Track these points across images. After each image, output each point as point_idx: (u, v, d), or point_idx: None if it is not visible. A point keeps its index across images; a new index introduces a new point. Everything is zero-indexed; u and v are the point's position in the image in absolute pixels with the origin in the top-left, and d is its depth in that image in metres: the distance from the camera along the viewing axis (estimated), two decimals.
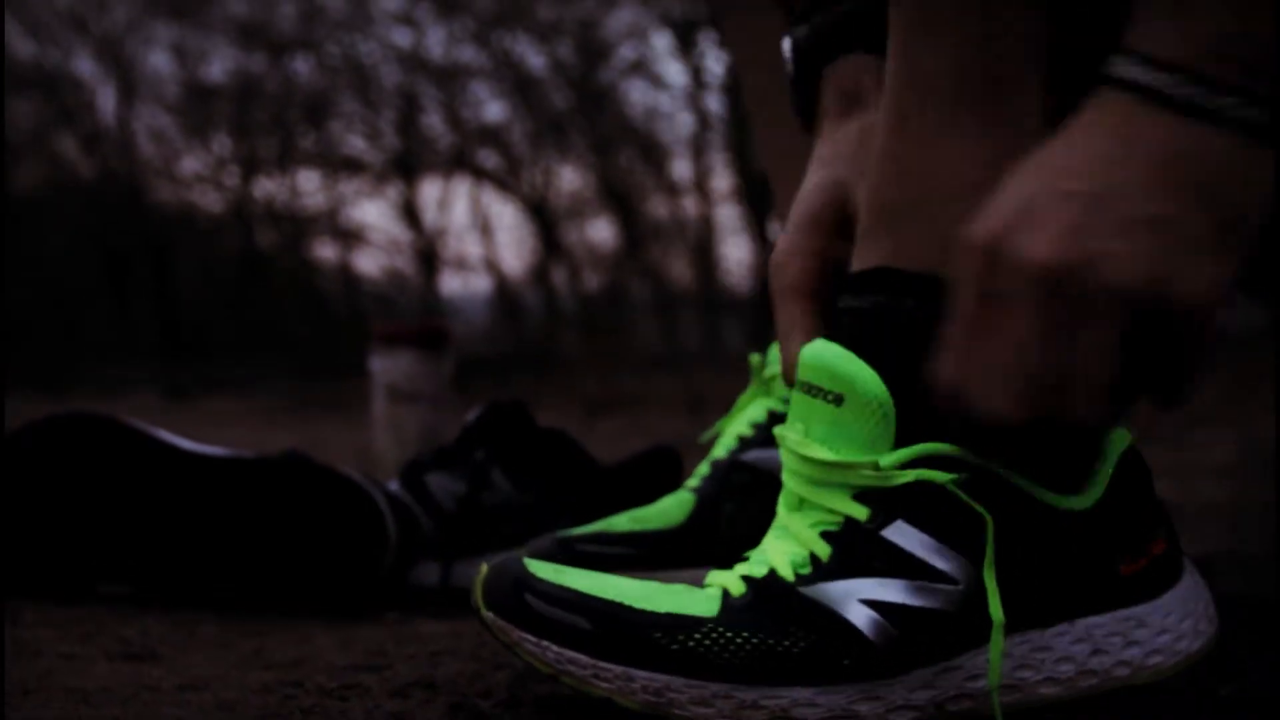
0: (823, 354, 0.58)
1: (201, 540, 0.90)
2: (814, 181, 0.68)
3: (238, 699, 0.65)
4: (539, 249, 5.89)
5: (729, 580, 0.60)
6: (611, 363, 4.44)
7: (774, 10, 0.85)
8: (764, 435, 0.85)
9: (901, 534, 0.57)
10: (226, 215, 6.24)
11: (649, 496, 0.96)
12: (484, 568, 0.62)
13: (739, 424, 0.86)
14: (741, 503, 0.84)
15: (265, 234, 6.32)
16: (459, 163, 5.96)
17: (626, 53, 5.66)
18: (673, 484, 0.99)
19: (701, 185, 5.65)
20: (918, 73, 0.59)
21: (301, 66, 6.04)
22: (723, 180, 5.69)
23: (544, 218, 5.83)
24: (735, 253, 5.75)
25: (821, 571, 0.58)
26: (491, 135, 5.91)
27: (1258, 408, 2.49)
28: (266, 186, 6.18)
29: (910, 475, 0.56)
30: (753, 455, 0.84)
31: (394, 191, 6.08)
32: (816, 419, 0.59)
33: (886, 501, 0.57)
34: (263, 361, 5.12)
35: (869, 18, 0.69)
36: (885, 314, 0.58)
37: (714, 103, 5.51)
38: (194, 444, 0.94)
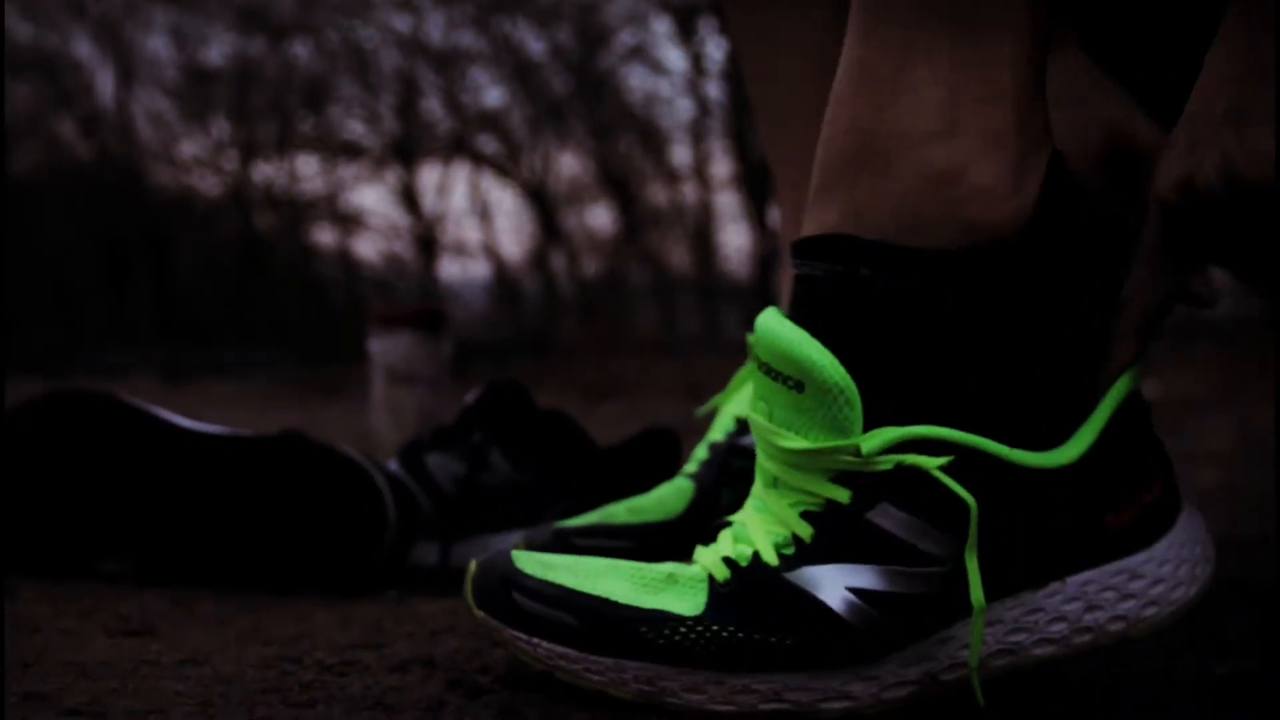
0: (778, 336, 0.57)
1: (200, 519, 0.90)
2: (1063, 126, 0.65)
3: (236, 673, 0.65)
4: (538, 235, 5.89)
5: (713, 563, 0.59)
6: (610, 349, 4.45)
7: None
8: None
9: (886, 516, 0.56)
10: (225, 199, 6.23)
11: (647, 477, 0.96)
12: (473, 564, 0.62)
13: (735, 405, 0.85)
14: (741, 490, 0.84)
15: (264, 218, 6.31)
16: (458, 148, 5.96)
17: (626, 38, 5.65)
18: (671, 465, 1.00)
19: (701, 171, 5.65)
20: (879, 16, 0.58)
21: (300, 50, 6.03)
22: (722, 166, 5.69)
23: (543, 203, 5.83)
24: (734, 239, 5.75)
25: (805, 553, 0.57)
26: (491, 120, 5.90)
27: (1255, 396, 2.49)
28: (265, 171, 6.18)
29: (895, 459, 0.56)
30: (750, 439, 0.84)
31: (393, 176, 6.08)
32: (779, 403, 0.58)
33: (869, 484, 0.56)
34: (261, 346, 5.12)
35: None
36: (840, 283, 0.56)
37: (714, 89, 5.51)
38: (193, 422, 0.94)
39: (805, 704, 0.57)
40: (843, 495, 0.57)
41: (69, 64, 6.10)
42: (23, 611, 0.79)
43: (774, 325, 0.58)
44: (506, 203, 7.17)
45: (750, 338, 0.86)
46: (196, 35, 6.02)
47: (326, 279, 6.26)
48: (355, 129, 6.08)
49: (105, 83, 6.11)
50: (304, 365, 4.49)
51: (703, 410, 0.88)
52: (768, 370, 0.58)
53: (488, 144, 5.99)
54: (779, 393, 0.57)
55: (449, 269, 6.15)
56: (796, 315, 0.58)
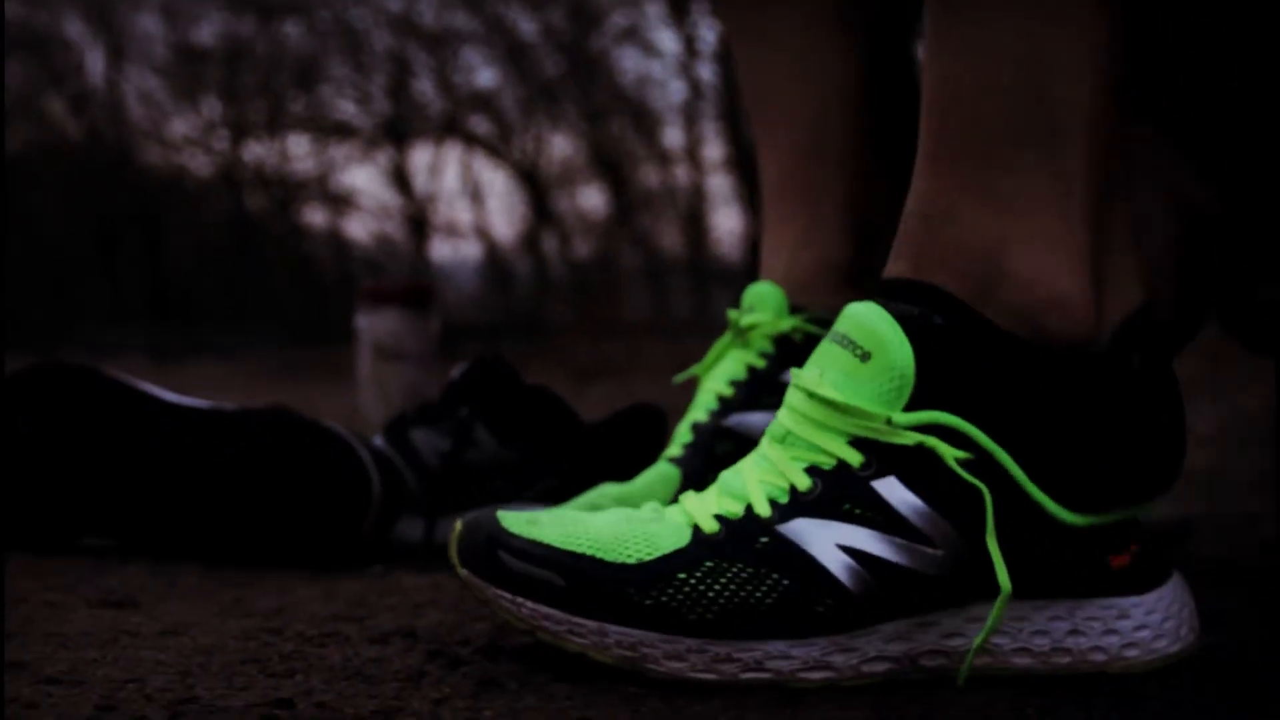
0: (868, 314, 0.59)
1: (184, 493, 0.90)
2: None
3: (217, 644, 0.65)
4: (529, 216, 5.88)
5: (702, 516, 0.60)
6: (601, 330, 4.45)
7: None
8: (745, 395, 0.83)
9: (892, 489, 0.57)
10: (216, 179, 6.22)
11: (633, 454, 0.97)
12: (459, 524, 0.62)
13: (717, 381, 0.85)
14: None
15: (255, 198, 6.30)
16: (450, 129, 5.95)
17: (619, 20, 5.64)
18: (657, 442, 1.00)
19: (693, 154, 5.64)
20: (951, 131, 0.60)
21: (292, 30, 6.01)
22: (714, 149, 5.69)
23: (535, 185, 5.82)
24: (726, 222, 5.75)
25: (799, 505, 0.58)
26: (483, 101, 5.89)
27: (1242, 380, 2.50)
28: (256, 151, 6.16)
29: (918, 438, 0.57)
30: (735, 420, 0.83)
31: (384, 157, 6.07)
32: (835, 367, 0.59)
33: (885, 455, 0.58)
34: (251, 326, 5.11)
35: None
36: (915, 324, 0.58)
37: (707, 71, 5.50)
38: (177, 396, 0.94)
39: (786, 673, 0.58)
40: (855, 458, 0.58)
41: (59, 42, 6.07)
42: (6, 585, 0.79)
43: (864, 306, 0.60)
44: (498, 184, 7.16)
45: (733, 313, 0.86)
46: (187, 14, 6.00)
47: (317, 259, 6.25)
48: (347, 109, 6.06)
49: (95, 61, 6.09)
50: (294, 345, 4.49)
51: (681, 377, 0.88)
52: (840, 339, 0.60)
53: (480, 125, 5.98)
54: (841, 358, 0.59)
55: (440, 250, 6.15)
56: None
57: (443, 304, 1.61)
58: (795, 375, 0.61)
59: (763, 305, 0.84)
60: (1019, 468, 0.58)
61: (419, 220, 6.03)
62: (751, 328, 0.84)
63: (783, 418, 0.61)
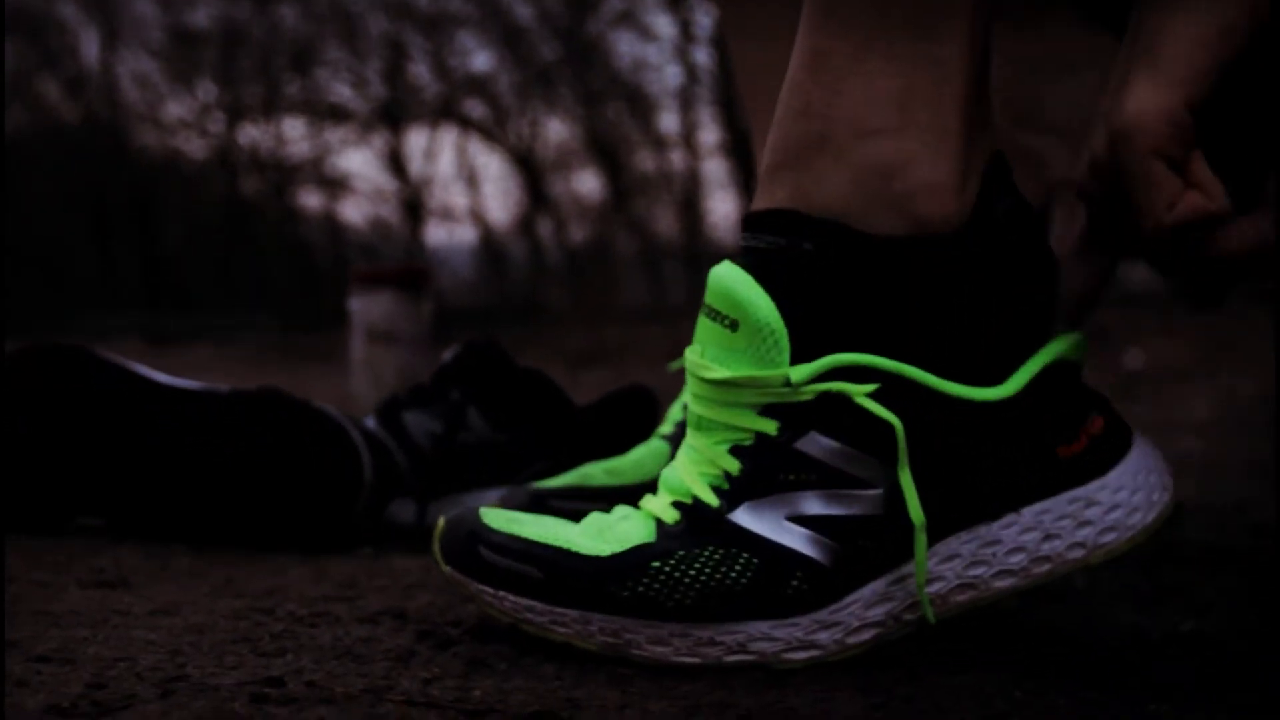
0: (724, 278, 0.59)
1: (176, 474, 0.90)
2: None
3: (208, 623, 0.65)
4: (525, 200, 5.88)
5: (661, 509, 0.60)
6: (597, 315, 4.45)
7: None
8: None
9: (815, 445, 0.57)
10: (211, 162, 6.20)
11: (624, 436, 0.97)
12: (441, 521, 0.63)
13: None
14: None
15: (250, 182, 6.29)
16: (445, 112, 5.94)
17: (615, 3, 5.62)
18: (648, 424, 1.00)
19: (689, 138, 5.64)
20: (836, 4, 0.59)
21: (288, 13, 5.99)
22: (710, 133, 5.68)
23: (530, 169, 5.81)
24: (722, 206, 5.75)
25: (739, 489, 0.58)
26: (478, 85, 5.88)
27: (1235, 367, 2.50)
28: (251, 134, 6.15)
29: (822, 387, 0.57)
30: None
31: (380, 140, 6.06)
32: (712, 342, 0.59)
33: (796, 415, 0.57)
34: (246, 310, 5.11)
35: None
36: (783, 256, 0.58)
37: (702, 55, 5.49)
38: (169, 377, 0.94)
39: (770, 654, 0.58)
40: (770, 427, 0.58)
41: (54, 24, 6.06)
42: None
43: (721, 269, 0.59)
44: (494, 168, 7.17)
45: None
46: None
47: (312, 243, 6.24)
48: (342, 93, 6.05)
49: (90, 44, 6.07)
50: (288, 329, 4.49)
51: (676, 365, 0.88)
52: (709, 312, 0.59)
53: (475, 109, 5.97)
54: (714, 332, 0.59)
55: (435, 234, 6.14)
56: None
57: (437, 288, 1.61)
58: (686, 359, 0.61)
59: None
60: (926, 372, 0.57)
61: (414, 204, 6.03)
62: None
63: (692, 405, 0.60)
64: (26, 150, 5.78)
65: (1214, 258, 0.60)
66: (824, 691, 0.55)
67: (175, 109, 6.14)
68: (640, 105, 5.64)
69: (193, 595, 0.73)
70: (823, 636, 0.58)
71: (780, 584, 0.58)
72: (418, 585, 0.76)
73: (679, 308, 4.98)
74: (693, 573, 0.58)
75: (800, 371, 0.57)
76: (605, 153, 5.69)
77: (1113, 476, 0.60)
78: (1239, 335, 2.74)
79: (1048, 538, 0.59)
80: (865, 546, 0.58)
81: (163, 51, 6.06)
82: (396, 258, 5.86)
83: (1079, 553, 0.59)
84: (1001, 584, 0.59)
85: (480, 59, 6.15)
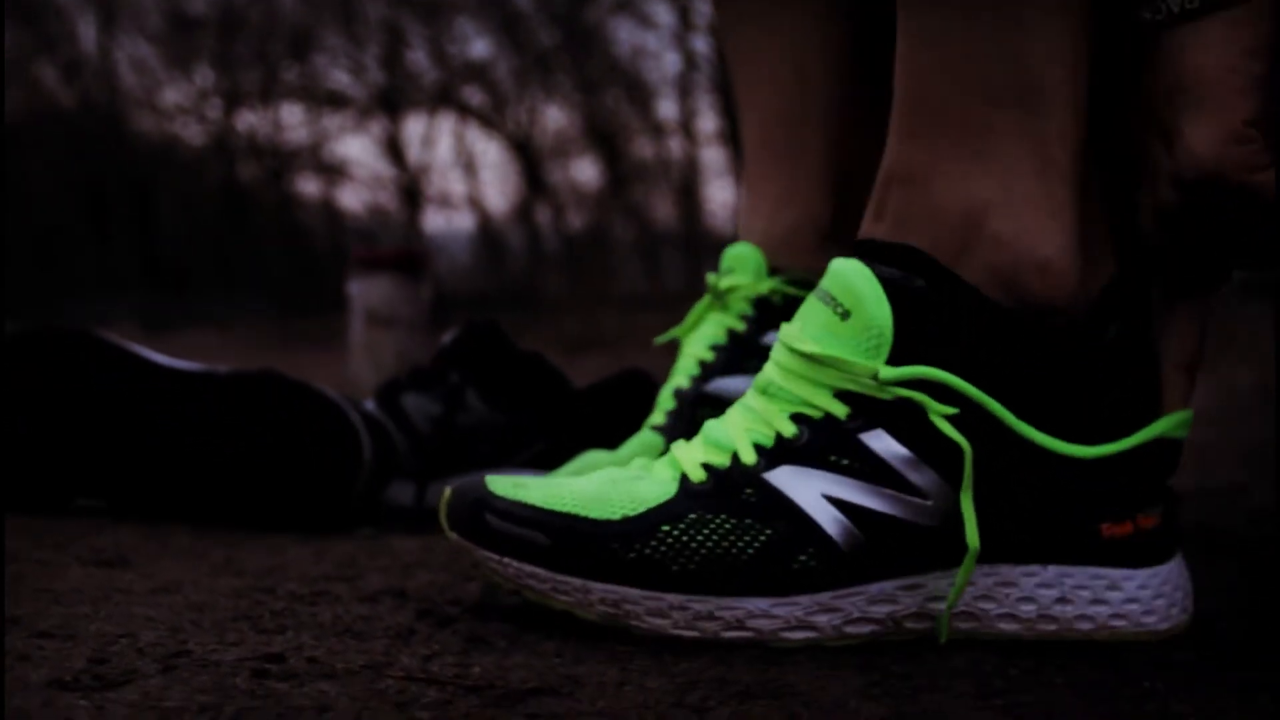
0: (849, 270, 0.59)
1: (176, 455, 0.90)
2: None
3: (208, 601, 0.65)
4: (523, 187, 5.87)
5: (690, 465, 0.60)
6: (594, 302, 4.45)
7: None
8: (725, 360, 0.83)
9: (880, 441, 0.58)
10: (208, 148, 6.19)
11: (623, 418, 0.97)
12: (448, 490, 0.63)
13: (698, 346, 0.85)
14: None
15: (247, 168, 6.28)
16: (444, 99, 5.93)
17: None
18: (646, 407, 1.00)
19: (687, 126, 5.63)
20: (928, 93, 0.60)
21: None
22: (708, 121, 5.67)
23: (528, 156, 5.81)
24: (720, 194, 5.74)
25: (786, 451, 0.59)
26: (477, 72, 5.87)
27: (1235, 356, 2.50)
28: (249, 120, 6.14)
29: (904, 393, 0.57)
30: (716, 385, 0.83)
31: (378, 127, 6.05)
32: (816, 323, 0.60)
33: (871, 408, 0.58)
34: (243, 295, 5.11)
35: None
36: (899, 287, 0.58)
37: (701, 43, 5.48)
38: (169, 359, 0.94)
39: (767, 632, 0.58)
40: (841, 411, 0.58)
41: (51, 9, 6.04)
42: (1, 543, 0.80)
43: (848, 261, 0.60)
44: (492, 155, 7.16)
45: (711, 276, 0.86)
46: None
47: (309, 229, 6.24)
48: (340, 79, 6.04)
49: (88, 28, 6.06)
50: (286, 315, 4.49)
51: (662, 339, 0.88)
52: (823, 296, 0.60)
53: (473, 96, 5.96)
54: (823, 315, 0.59)
55: (433, 221, 6.14)
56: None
57: (435, 275, 1.61)
58: (781, 330, 0.61)
59: (742, 267, 0.84)
60: (1009, 412, 0.57)
61: (412, 191, 6.02)
62: (730, 290, 0.84)
63: (768, 370, 0.61)
64: (23, 135, 5.77)
65: None
66: (822, 670, 0.56)
67: (173, 94, 6.13)
68: (639, 92, 5.64)
69: (193, 574, 0.73)
70: (821, 619, 0.58)
71: (788, 558, 0.58)
72: (417, 564, 0.76)
73: (677, 294, 4.98)
74: (700, 538, 0.58)
75: (890, 371, 0.57)
76: (603, 140, 5.69)
77: (1143, 574, 0.61)
78: (1238, 327, 2.74)
79: (1061, 600, 0.60)
80: (891, 547, 0.58)
81: (160, 37, 6.05)
82: (395, 244, 5.85)
83: (1086, 625, 0.60)
84: (1004, 626, 0.60)
85: (479, 45, 6.14)
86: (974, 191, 0.59)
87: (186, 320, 4.43)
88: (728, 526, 0.58)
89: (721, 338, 0.83)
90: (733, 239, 0.89)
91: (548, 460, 0.98)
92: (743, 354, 0.83)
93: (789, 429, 0.59)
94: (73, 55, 6.04)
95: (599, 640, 0.59)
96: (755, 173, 0.87)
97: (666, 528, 0.58)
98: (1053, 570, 0.60)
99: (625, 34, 6.09)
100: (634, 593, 0.58)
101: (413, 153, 5.99)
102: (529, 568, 0.59)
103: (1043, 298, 0.59)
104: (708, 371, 0.83)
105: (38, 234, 5.69)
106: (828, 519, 0.58)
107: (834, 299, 0.59)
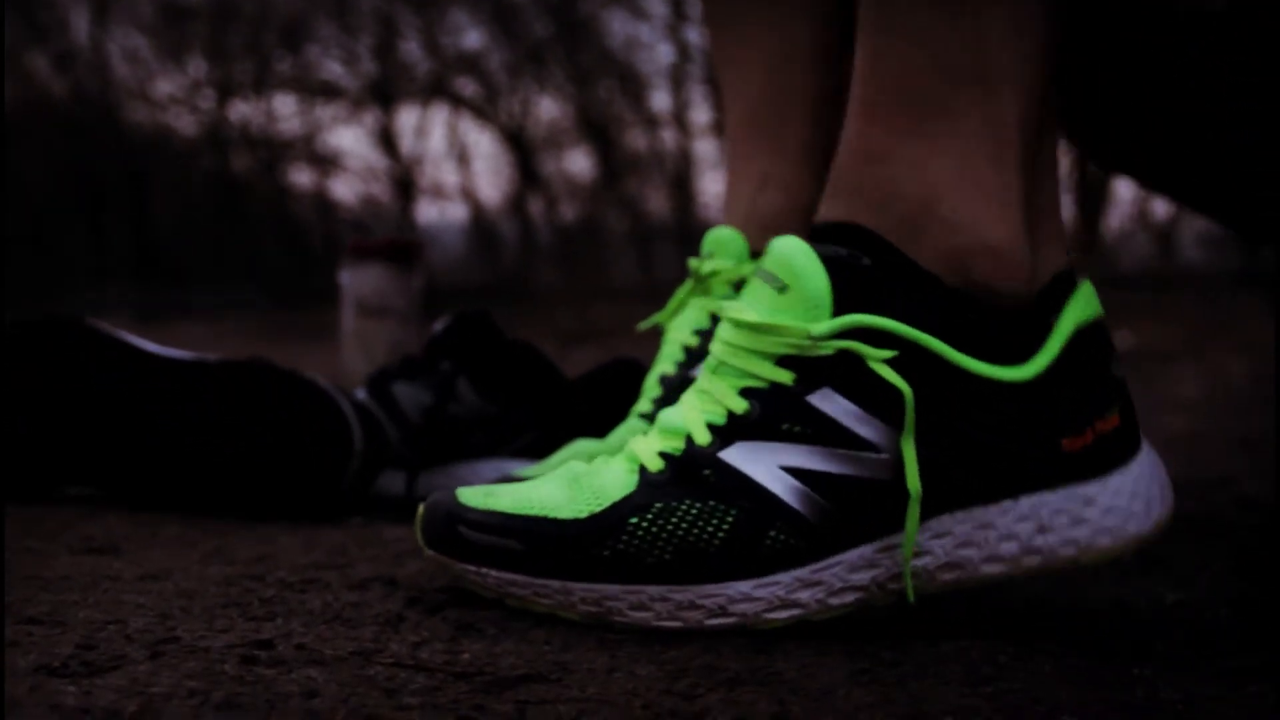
0: (787, 248, 0.59)
1: (166, 443, 0.90)
2: None
3: (198, 589, 0.65)
4: (516, 179, 5.86)
5: (648, 456, 0.60)
6: (588, 294, 4.44)
7: None
8: (708, 344, 0.83)
9: (828, 401, 0.58)
10: (201, 139, 6.18)
11: (614, 408, 0.97)
12: (421, 507, 0.63)
13: (681, 331, 0.85)
14: None
15: (241, 158, 6.26)
16: (437, 90, 5.91)
17: None
18: (637, 396, 1.00)
19: (680, 117, 5.62)
20: (887, 73, 0.60)
21: None
22: (702, 113, 5.66)
23: (522, 147, 5.80)
24: (713, 186, 5.73)
25: (739, 428, 0.59)
26: (470, 63, 5.85)
27: (1223, 347, 2.51)
28: (242, 110, 6.12)
29: (840, 344, 0.57)
30: (700, 371, 0.83)
31: (371, 118, 6.03)
32: (757, 300, 0.60)
33: (813, 369, 0.58)
34: (237, 287, 5.10)
35: None
36: (844, 264, 0.58)
37: (694, 34, 5.47)
38: (160, 347, 0.94)
39: (751, 615, 0.58)
40: (786, 377, 0.58)
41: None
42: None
43: (786, 239, 0.60)
44: (485, 146, 7.14)
45: (693, 261, 0.86)
46: None
47: (303, 220, 6.22)
48: (333, 69, 6.02)
49: (80, 19, 6.04)
50: (279, 306, 4.48)
51: (645, 325, 0.88)
52: (762, 274, 0.60)
53: (466, 87, 5.95)
54: (763, 291, 0.60)
55: (427, 212, 6.12)
56: None
57: (428, 266, 1.61)
58: (721, 308, 0.62)
59: (723, 251, 0.84)
60: (947, 345, 0.57)
61: (405, 182, 6.01)
62: (712, 274, 0.84)
63: (714, 350, 0.61)
64: (15, 126, 5.75)
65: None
66: (811, 657, 0.56)
67: (166, 85, 6.11)
68: (632, 84, 5.62)
69: (183, 562, 0.73)
70: (804, 595, 0.58)
71: (758, 536, 0.58)
72: (408, 553, 0.76)
73: (670, 286, 4.98)
74: (670, 527, 0.58)
75: (823, 325, 0.57)
76: (596, 131, 5.68)
77: (1114, 480, 0.60)
78: (1230, 317, 2.74)
79: (1042, 530, 0.59)
80: (858, 509, 0.58)
81: (153, 27, 6.03)
82: (387, 234, 5.84)
83: (1071, 551, 0.60)
84: (990, 569, 0.59)
85: (472, 36, 6.13)
86: (929, 174, 0.59)
87: (180, 310, 4.42)
88: (694, 512, 0.58)
89: (704, 322, 0.83)
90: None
91: (539, 450, 0.97)
92: None
93: (739, 405, 0.59)
94: (65, 46, 6.01)
95: (588, 627, 0.59)
96: (737, 154, 0.87)
97: (634, 520, 0.58)
98: (1025, 501, 0.59)
99: (618, 25, 6.07)
100: (614, 589, 0.58)
101: (406, 144, 5.98)
102: (508, 575, 0.60)
103: (993, 283, 0.59)
104: (692, 356, 0.83)
105: (30, 224, 5.68)
106: (787, 491, 0.58)
107: (773, 275, 0.59)
